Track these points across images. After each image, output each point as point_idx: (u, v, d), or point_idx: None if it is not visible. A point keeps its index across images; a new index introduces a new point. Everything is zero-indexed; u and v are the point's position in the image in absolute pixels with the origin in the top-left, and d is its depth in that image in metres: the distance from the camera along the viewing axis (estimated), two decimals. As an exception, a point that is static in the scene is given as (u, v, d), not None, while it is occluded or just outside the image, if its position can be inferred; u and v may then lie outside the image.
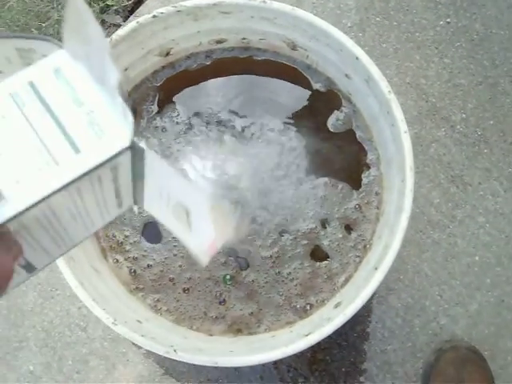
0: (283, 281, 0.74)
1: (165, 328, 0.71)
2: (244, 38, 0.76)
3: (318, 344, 1.04)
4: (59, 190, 0.28)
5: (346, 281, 0.73)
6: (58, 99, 0.29)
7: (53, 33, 1.17)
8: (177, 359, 0.63)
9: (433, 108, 1.10)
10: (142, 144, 0.30)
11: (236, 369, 1.03)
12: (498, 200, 1.07)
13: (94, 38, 0.28)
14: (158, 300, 0.74)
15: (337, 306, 0.68)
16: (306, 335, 0.62)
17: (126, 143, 0.29)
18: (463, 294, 1.04)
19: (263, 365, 1.04)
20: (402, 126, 0.64)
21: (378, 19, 1.14)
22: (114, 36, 0.68)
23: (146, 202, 0.37)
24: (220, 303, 0.73)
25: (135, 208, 0.38)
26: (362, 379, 1.03)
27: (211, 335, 0.73)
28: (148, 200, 0.37)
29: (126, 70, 0.75)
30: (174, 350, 0.62)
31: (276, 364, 1.04)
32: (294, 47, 0.75)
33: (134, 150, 0.30)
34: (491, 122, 1.09)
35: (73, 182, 0.28)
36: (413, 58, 1.12)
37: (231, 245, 0.75)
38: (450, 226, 1.06)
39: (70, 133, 0.28)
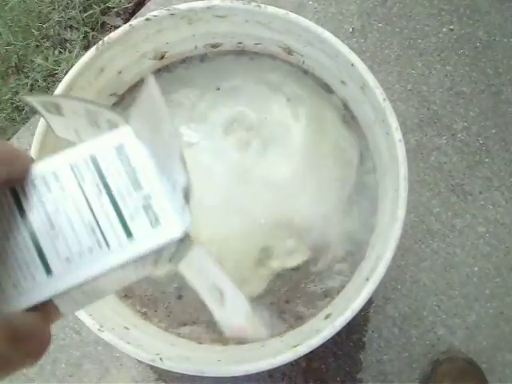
0: (275, 289, 0.73)
1: (153, 335, 0.70)
2: (240, 43, 0.75)
3: (313, 353, 1.03)
4: (107, 273, 0.28)
5: (338, 291, 0.72)
6: (117, 178, 0.29)
7: (53, 34, 1.16)
8: (162, 367, 0.62)
9: (434, 116, 1.08)
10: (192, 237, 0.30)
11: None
12: (499, 210, 1.05)
13: (168, 136, 0.28)
14: (147, 307, 0.73)
15: (327, 317, 0.67)
16: (295, 346, 0.61)
17: (178, 235, 0.29)
18: (461, 305, 1.02)
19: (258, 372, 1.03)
20: (397, 134, 0.62)
21: (380, 25, 1.13)
22: (106, 39, 0.67)
23: (182, 265, 0.37)
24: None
25: (172, 267, 0.38)
26: (357, 389, 1.02)
27: (200, 343, 0.72)
28: (185, 266, 0.37)
29: (119, 72, 0.74)
30: (160, 359, 0.61)
31: (270, 372, 1.03)
32: (289, 52, 0.74)
33: (184, 242, 0.30)
34: (493, 131, 1.08)
35: (122, 265, 0.29)
36: (415, 65, 1.11)
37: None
38: (449, 235, 1.05)
39: (125, 215, 0.29)
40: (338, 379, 1.02)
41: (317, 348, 1.03)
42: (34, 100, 0.32)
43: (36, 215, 0.28)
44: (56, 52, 1.14)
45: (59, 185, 0.29)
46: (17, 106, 1.14)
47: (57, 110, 0.32)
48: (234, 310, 0.38)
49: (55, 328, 1.07)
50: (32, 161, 0.29)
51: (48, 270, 0.27)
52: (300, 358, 1.02)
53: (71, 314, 0.35)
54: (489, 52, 1.11)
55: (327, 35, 0.65)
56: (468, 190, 1.06)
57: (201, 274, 0.36)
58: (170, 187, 0.29)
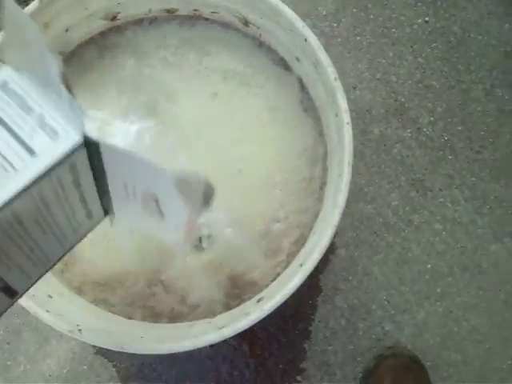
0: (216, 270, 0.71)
1: (78, 306, 0.67)
2: (196, 10, 0.72)
3: (257, 338, 1.02)
4: (21, 194, 0.29)
5: (277, 276, 0.69)
6: (7, 110, 0.30)
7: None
8: (81, 339, 0.59)
9: (401, 107, 1.06)
10: (96, 136, 0.31)
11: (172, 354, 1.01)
12: (458, 208, 1.03)
13: (32, 37, 0.30)
14: (82, 282, 0.70)
15: (259, 300, 0.64)
16: (220, 328, 0.58)
17: (79, 138, 0.30)
18: (411, 302, 1.01)
19: (200, 352, 1.00)
20: (346, 116, 0.60)
21: (354, 10, 1.10)
22: (51, -10, 0.63)
23: (115, 207, 0.38)
24: (150, 296, 0.70)
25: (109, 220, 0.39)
26: (298, 378, 1.00)
27: (130, 318, 0.69)
28: (116, 203, 0.38)
29: (67, 30, 0.70)
30: (79, 330, 0.59)
31: (211, 355, 1.01)
32: (246, 23, 0.71)
33: (89, 145, 0.31)
34: (459, 128, 1.06)
35: (33, 183, 0.29)
36: (386, 54, 1.08)
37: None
38: (405, 230, 1.03)
39: (24, 137, 0.30)
40: (281, 366, 1.01)
41: (261, 334, 1.02)
42: None
43: None
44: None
45: None
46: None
47: None
48: (173, 208, 0.37)
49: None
50: None
51: None
52: (243, 342, 1.01)
53: (20, 287, 0.34)
54: (462, 48, 1.09)
55: (281, 7, 0.62)
56: (428, 185, 1.04)
57: (128, 192, 0.36)
58: (56, 96, 0.30)
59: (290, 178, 0.72)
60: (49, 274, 0.69)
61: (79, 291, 0.70)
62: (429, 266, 1.02)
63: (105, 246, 0.71)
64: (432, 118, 1.06)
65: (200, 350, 0.58)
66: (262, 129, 0.73)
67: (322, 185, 0.71)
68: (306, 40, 0.62)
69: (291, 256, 0.69)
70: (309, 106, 0.72)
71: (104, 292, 0.70)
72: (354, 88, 1.07)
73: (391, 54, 1.08)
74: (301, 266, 0.59)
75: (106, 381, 1.01)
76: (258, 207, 0.71)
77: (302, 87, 0.72)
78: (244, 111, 0.73)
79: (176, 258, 0.71)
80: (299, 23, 0.61)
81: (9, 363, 1.03)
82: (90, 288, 0.70)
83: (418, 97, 1.07)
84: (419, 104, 1.06)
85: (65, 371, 1.02)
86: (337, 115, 0.62)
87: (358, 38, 1.09)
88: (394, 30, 1.09)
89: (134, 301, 0.70)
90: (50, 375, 1.02)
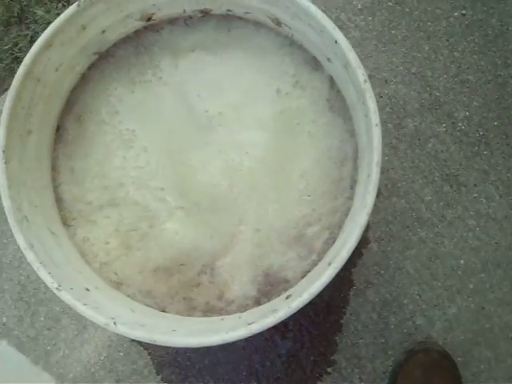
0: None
1: (114, 299, 0.69)
2: (229, 10, 0.73)
3: (289, 330, 1.04)
4: None
5: (306, 273, 0.70)
6: None
7: None
8: (115, 332, 0.62)
9: (436, 102, 1.05)
10: None
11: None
12: (492, 204, 1.03)
13: None
14: (116, 273, 0.73)
15: (287, 297, 0.66)
16: (250, 324, 0.60)
17: None
18: (443, 297, 1.01)
19: (232, 342, 1.03)
20: (374, 117, 0.60)
21: (390, 4, 1.09)
22: (88, -5, 0.65)
23: None
24: (194, 286, 0.72)
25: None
26: (329, 370, 1.02)
27: (164, 311, 0.71)
28: None
29: (103, 32, 0.72)
30: (114, 323, 0.61)
31: (244, 345, 1.03)
32: (278, 23, 0.72)
33: None
34: (495, 123, 1.05)
35: None
36: (421, 48, 1.07)
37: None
38: (438, 225, 1.03)
39: None
40: (312, 358, 1.02)
41: (293, 326, 1.03)
42: None
43: None
44: (59, 5, 1.12)
45: None
46: (16, 57, 1.13)
47: None
48: None
49: (37, 282, 1.08)
50: None
51: None
52: (276, 334, 1.03)
53: None
54: (500, 41, 1.07)
55: (313, 9, 0.62)
56: (462, 181, 1.03)
57: None
58: None
59: (319, 182, 0.73)
60: (87, 269, 0.72)
61: (118, 285, 0.73)
62: (462, 261, 1.02)
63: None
64: (467, 113, 1.05)
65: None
66: (287, 132, 0.74)
67: (353, 184, 0.71)
68: (336, 42, 0.62)
69: (322, 254, 0.71)
70: (338, 105, 0.73)
71: (157, 282, 0.73)
72: (389, 82, 1.06)
73: (427, 48, 1.07)
74: (329, 264, 0.60)
75: (142, 368, 1.05)
76: (290, 215, 0.73)
77: (332, 86, 0.73)
78: (270, 111, 0.74)
79: (238, 244, 0.73)
80: (330, 25, 0.62)
81: (49, 348, 1.07)
82: (133, 281, 0.73)
83: (454, 91, 1.06)
84: (454, 98, 1.05)
85: (102, 358, 1.06)
86: (366, 116, 0.62)
87: (393, 31, 1.08)
88: (429, 23, 1.08)
89: (177, 291, 0.72)
90: (88, 361, 1.06)
